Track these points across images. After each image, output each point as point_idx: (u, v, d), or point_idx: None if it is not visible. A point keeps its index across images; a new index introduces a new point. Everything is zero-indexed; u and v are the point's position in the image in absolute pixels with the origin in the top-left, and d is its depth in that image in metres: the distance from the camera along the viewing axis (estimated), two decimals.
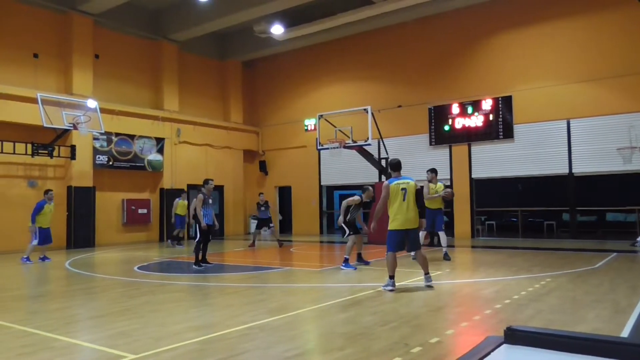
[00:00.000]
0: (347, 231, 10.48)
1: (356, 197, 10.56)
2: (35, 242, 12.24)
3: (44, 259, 12.52)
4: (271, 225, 15.53)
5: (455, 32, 18.37)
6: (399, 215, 7.41)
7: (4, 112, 15.15)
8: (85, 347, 4.80)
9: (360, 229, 10.88)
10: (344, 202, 10.49)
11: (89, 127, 15.79)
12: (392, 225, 7.47)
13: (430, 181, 11.36)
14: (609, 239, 16.05)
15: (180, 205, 16.41)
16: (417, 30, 19.17)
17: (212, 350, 4.53)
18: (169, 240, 16.99)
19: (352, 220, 10.51)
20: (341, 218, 10.50)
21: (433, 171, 11.43)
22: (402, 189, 7.42)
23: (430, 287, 7.56)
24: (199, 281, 9.27)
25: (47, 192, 12.57)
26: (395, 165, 7.77)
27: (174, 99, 20.46)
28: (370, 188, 10.84)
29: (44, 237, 12.34)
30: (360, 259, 10.79)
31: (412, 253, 11.21)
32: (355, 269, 10.03)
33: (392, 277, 7.48)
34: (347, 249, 10.39)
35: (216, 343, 4.76)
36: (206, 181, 11.08)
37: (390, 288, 7.40)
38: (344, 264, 10.15)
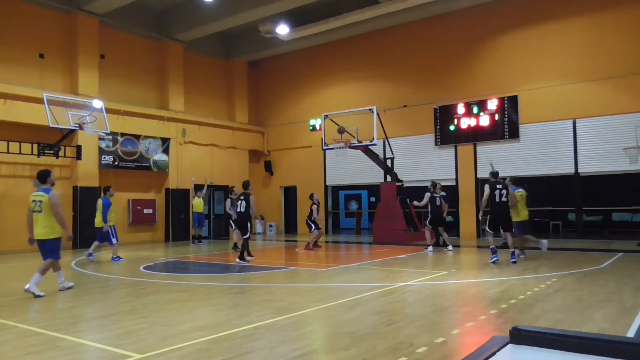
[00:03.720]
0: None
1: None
2: (114, 240, 12.40)
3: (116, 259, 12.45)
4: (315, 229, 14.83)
5: (460, 32, 18.32)
6: None
7: (10, 112, 15.22)
8: (91, 346, 4.82)
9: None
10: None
11: (94, 127, 15.85)
12: None
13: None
14: (615, 238, 15.98)
15: (196, 203, 17.34)
16: (422, 30, 19.12)
17: (218, 349, 4.54)
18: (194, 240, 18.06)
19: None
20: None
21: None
22: None
23: None
24: (205, 281, 9.29)
25: (108, 189, 12.71)
26: None
27: (180, 99, 20.51)
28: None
29: (104, 236, 12.35)
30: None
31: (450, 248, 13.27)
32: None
33: None
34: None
35: (222, 343, 4.77)
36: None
37: None
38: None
